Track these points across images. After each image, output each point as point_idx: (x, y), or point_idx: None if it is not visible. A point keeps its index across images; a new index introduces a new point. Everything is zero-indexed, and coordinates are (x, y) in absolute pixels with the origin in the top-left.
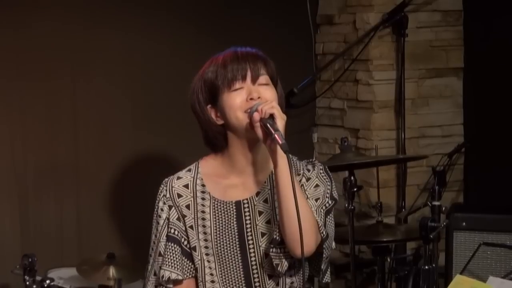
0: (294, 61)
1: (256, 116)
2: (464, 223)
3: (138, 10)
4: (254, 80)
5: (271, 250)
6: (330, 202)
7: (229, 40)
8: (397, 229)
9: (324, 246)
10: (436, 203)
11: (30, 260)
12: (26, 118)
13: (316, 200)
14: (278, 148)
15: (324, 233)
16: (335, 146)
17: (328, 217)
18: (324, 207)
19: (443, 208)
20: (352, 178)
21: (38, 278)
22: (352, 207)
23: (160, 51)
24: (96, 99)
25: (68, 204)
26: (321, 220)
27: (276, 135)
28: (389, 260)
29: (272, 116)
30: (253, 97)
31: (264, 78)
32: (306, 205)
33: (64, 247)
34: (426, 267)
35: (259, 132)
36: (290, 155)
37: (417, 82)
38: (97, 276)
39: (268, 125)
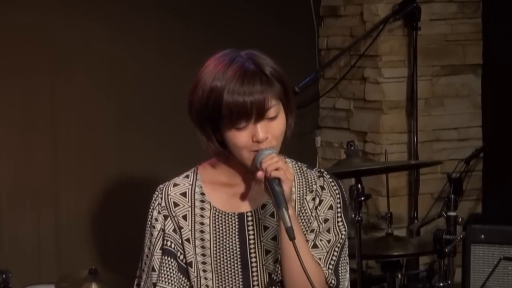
0: (295, 57)
1: (261, 175)
2: (482, 236)
3: (124, 0)
4: (259, 118)
5: None
6: (342, 235)
7: (223, 35)
8: (409, 242)
9: None
10: (452, 213)
11: (4, 276)
12: None
13: (328, 241)
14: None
15: (333, 281)
16: (341, 150)
17: (343, 252)
18: (338, 245)
19: (460, 219)
20: (359, 186)
21: None
22: (359, 218)
23: (147, 46)
24: (77, 99)
25: (46, 214)
26: (329, 269)
27: (281, 216)
28: (400, 276)
29: (278, 178)
30: (258, 140)
31: (272, 111)
32: (312, 263)
33: (41, 262)
34: (441, 284)
35: (264, 188)
36: (299, 163)
37: (431, 80)
38: None
39: (273, 197)
